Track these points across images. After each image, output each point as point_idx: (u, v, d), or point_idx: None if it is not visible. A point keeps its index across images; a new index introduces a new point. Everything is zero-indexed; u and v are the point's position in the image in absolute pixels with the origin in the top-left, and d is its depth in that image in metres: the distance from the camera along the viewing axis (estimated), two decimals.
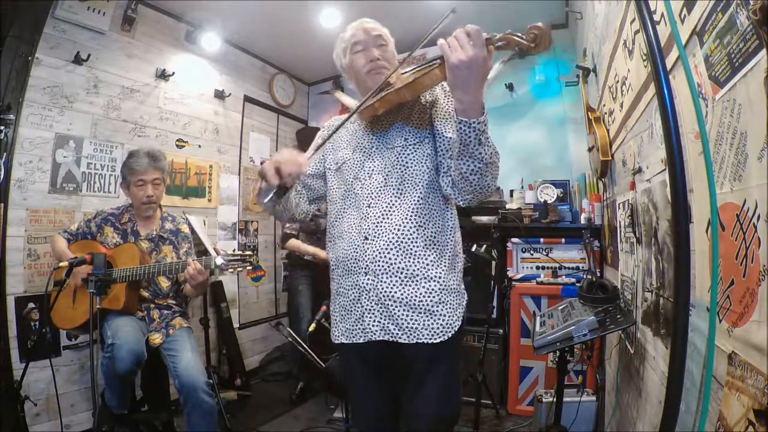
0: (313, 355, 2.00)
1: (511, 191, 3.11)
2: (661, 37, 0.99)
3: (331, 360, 2.07)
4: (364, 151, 1.24)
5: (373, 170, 1.21)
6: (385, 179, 1.18)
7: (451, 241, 1.21)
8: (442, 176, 1.18)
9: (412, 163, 1.18)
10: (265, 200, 1.17)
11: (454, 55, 0.93)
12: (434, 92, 1.26)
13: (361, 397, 1.31)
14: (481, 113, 0.98)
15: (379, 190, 1.18)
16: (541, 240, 2.72)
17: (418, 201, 1.16)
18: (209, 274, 1.88)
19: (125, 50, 2.65)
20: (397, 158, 1.19)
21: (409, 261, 1.14)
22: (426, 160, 1.19)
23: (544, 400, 2.11)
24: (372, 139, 1.24)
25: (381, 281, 1.15)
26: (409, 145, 1.19)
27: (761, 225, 0.68)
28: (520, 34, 0.93)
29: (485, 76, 0.95)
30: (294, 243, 2.82)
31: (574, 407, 1.98)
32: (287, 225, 2.89)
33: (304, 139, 4.04)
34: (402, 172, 1.18)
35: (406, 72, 1.20)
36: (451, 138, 1.15)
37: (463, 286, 1.25)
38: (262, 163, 1.13)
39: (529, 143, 3.23)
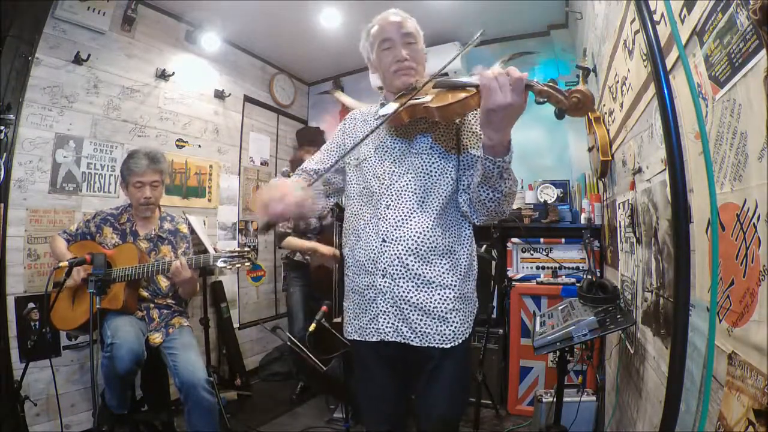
0: (314, 358, 2.00)
1: None
2: (661, 37, 0.99)
3: (332, 362, 2.07)
4: (387, 152, 1.23)
5: (394, 172, 1.20)
6: (407, 184, 1.18)
7: (467, 250, 1.22)
8: (461, 192, 1.19)
9: (436, 172, 1.18)
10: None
11: (493, 99, 0.93)
12: None
13: (370, 392, 1.31)
14: (507, 152, 1.02)
15: (399, 194, 1.18)
16: (541, 240, 2.72)
17: (438, 210, 1.17)
18: (196, 274, 1.89)
19: (125, 50, 2.65)
20: (422, 165, 1.19)
21: (425, 268, 1.15)
22: (451, 171, 1.19)
23: (544, 400, 2.11)
24: (395, 141, 1.23)
25: (398, 285, 1.16)
26: (435, 153, 1.19)
27: (761, 225, 0.68)
28: (563, 92, 0.92)
29: (518, 117, 0.97)
30: (291, 241, 2.75)
31: (574, 407, 1.98)
32: (281, 224, 2.85)
33: (304, 139, 4.05)
34: (425, 179, 1.18)
35: (436, 87, 1.15)
36: (475, 155, 1.17)
37: (475, 294, 1.26)
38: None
39: (529, 143, 3.23)
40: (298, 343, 2.02)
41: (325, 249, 2.58)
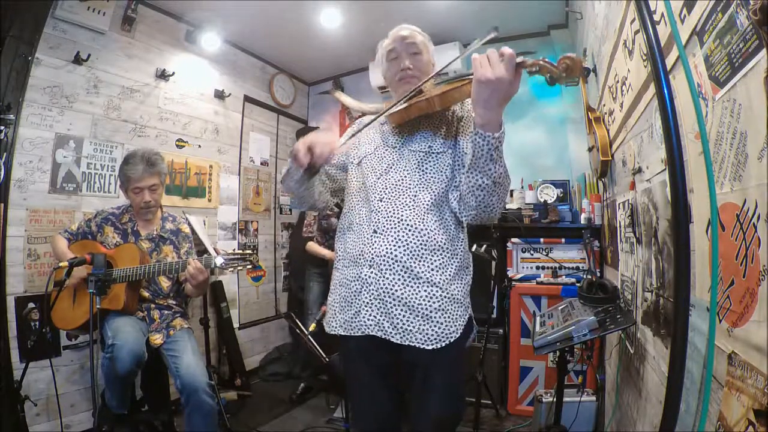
0: (317, 347, 2.00)
1: (511, 191, 3.11)
2: (661, 37, 0.98)
3: (333, 355, 2.07)
4: (386, 149, 1.26)
5: (390, 167, 1.22)
6: (402, 178, 1.20)
7: (461, 250, 1.21)
8: (452, 190, 1.19)
9: (431, 170, 1.20)
10: (292, 182, 1.23)
11: (481, 72, 0.94)
12: (465, 107, 1.27)
13: (363, 397, 1.30)
14: (498, 130, 1.01)
15: (394, 188, 1.19)
16: (541, 240, 2.72)
17: (431, 206, 1.17)
18: (209, 274, 1.89)
19: (125, 50, 2.65)
20: (418, 163, 1.20)
21: (414, 261, 1.14)
22: (446, 169, 1.20)
23: (544, 400, 2.11)
24: (396, 139, 1.26)
25: (384, 276, 1.15)
26: (432, 152, 1.21)
27: (761, 225, 0.68)
28: (553, 63, 0.95)
29: (509, 97, 0.97)
30: (311, 246, 2.90)
31: (574, 407, 1.98)
32: (305, 229, 2.97)
33: None
34: (420, 176, 1.19)
35: (439, 83, 1.21)
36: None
37: (468, 299, 1.23)
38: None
39: (529, 143, 3.24)
40: (306, 331, 2.02)
41: (329, 254, 2.75)
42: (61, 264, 1.71)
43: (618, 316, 1.45)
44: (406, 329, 1.13)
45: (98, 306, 1.59)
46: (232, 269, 1.84)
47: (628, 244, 1.73)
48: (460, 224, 1.23)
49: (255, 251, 3.60)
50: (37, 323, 2.15)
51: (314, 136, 1.13)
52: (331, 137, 1.13)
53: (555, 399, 1.74)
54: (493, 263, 2.64)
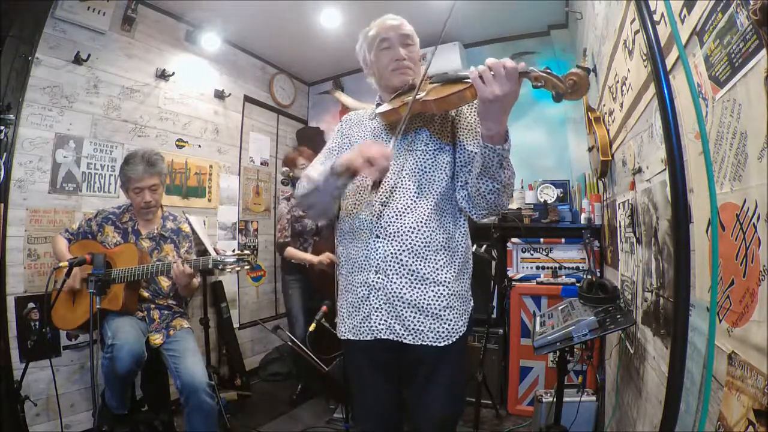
0: (315, 358, 2.00)
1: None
2: (661, 37, 0.98)
3: (333, 363, 2.07)
4: None
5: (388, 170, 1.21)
6: (401, 180, 1.19)
7: (462, 246, 1.22)
8: (459, 189, 1.20)
9: (430, 169, 1.19)
10: (328, 196, 1.19)
11: (488, 90, 0.94)
12: None
13: (366, 396, 1.31)
14: (505, 140, 1.02)
15: (394, 191, 1.19)
16: (541, 240, 2.72)
17: (432, 206, 1.17)
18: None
19: (125, 50, 2.65)
20: (416, 162, 1.20)
21: (420, 263, 1.15)
22: (445, 167, 1.20)
23: (544, 400, 2.11)
24: (391, 138, 1.24)
25: (391, 281, 1.15)
26: (429, 150, 1.21)
27: (761, 225, 0.68)
28: (559, 77, 0.93)
29: (512, 104, 0.98)
30: (290, 251, 2.83)
31: (574, 407, 1.98)
32: (279, 234, 2.89)
33: (304, 139, 4.05)
34: (419, 177, 1.19)
35: (433, 82, 1.17)
36: (471, 152, 1.17)
37: (470, 293, 1.26)
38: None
39: (529, 143, 3.23)
40: (300, 344, 2.02)
41: (316, 259, 2.68)
42: (61, 264, 1.71)
43: (618, 316, 1.45)
44: (418, 330, 1.14)
45: (98, 306, 1.59)
46: (230, 270, 1.84)
47: (628, 244, 1.73)
48: (461, 218, 1.23)
49: (255, 251, 3.60)
50: (37, 323, 2.15)
51: (366, 148, 1.06)
52: (383, 146, 1.07)
53: (555, 399, 1.75)
54: (493, 263, 2.65)
